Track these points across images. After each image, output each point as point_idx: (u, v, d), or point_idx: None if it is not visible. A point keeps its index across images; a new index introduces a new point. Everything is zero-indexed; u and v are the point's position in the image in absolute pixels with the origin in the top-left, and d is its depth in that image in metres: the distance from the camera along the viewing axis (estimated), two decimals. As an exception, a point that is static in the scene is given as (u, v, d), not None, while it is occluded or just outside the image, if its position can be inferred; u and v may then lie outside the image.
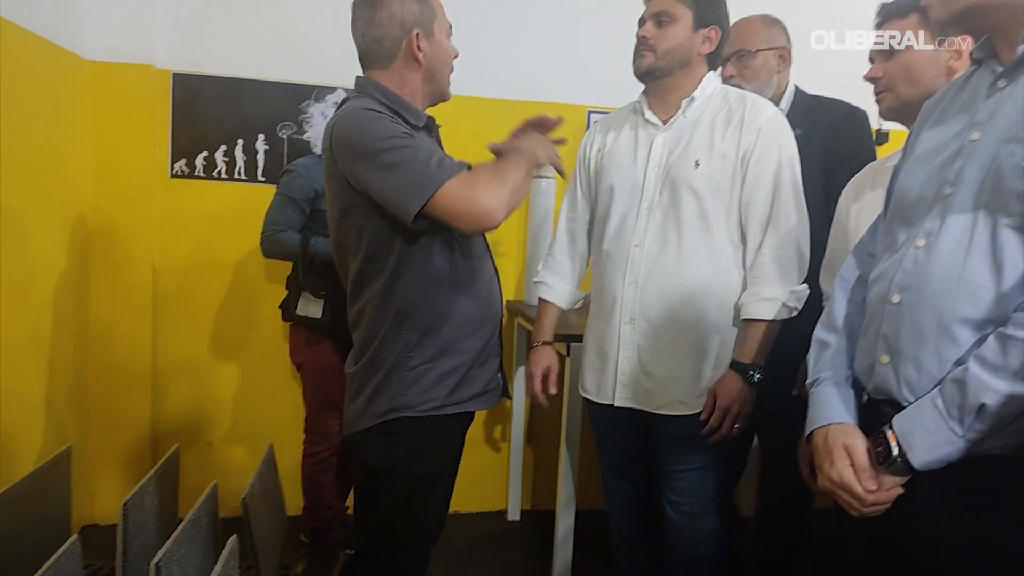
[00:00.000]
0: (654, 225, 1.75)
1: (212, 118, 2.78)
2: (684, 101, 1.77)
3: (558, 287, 1.97)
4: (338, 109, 1.56)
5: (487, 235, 1.68)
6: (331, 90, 2.84)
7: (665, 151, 1.77)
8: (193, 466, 2.78)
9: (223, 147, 2.80)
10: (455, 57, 1.61)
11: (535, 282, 2.02)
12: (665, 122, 1.79)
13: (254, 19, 2.77)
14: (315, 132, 2.83)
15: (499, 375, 1.67)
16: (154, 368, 2.81)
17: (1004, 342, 0.95)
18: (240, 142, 2.80)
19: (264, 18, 2.77)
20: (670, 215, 1.74)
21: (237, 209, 2.83)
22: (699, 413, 1.73)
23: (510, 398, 1.74)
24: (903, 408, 1.07)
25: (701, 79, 1.78)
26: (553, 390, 1.92)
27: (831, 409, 1.18)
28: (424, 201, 1.38)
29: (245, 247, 2.85)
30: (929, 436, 1.01)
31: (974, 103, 1.10)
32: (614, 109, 2.96)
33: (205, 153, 2.79)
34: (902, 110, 1.52)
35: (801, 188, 1.73)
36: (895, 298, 1.10)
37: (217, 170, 2.80)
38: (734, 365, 1.72)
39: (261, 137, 2.81)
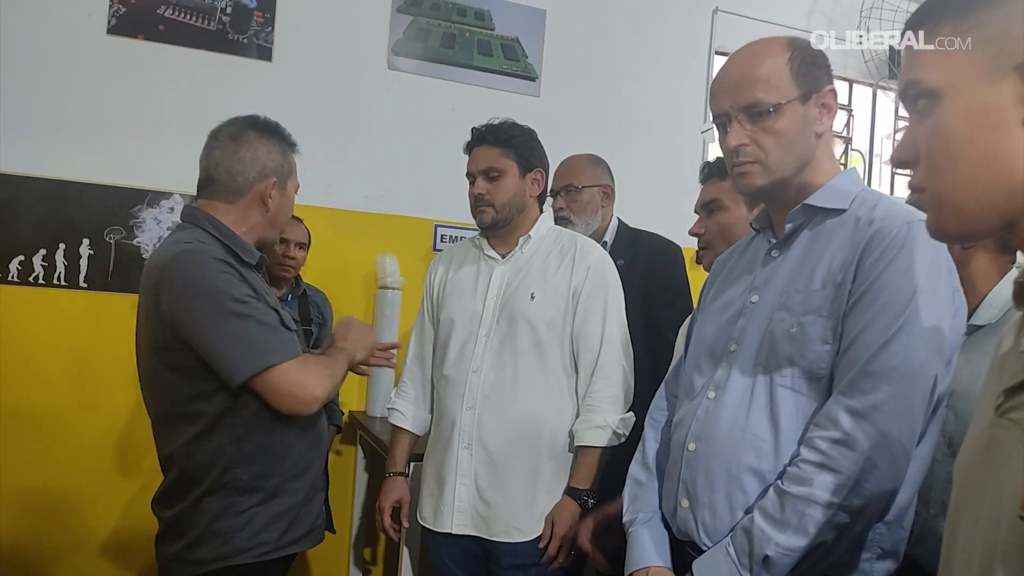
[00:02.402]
0: (492, 352, 1.80)
1: (31, 221, 2.60)
2: (521, 239, 1.87)
3: (410, 413, 1.98)
4: (168, 239, 1.52)
5: None
6: (167, 195, 2.75)
7: (503, 283, 1.85)
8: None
9: (42, 251, 2.61)
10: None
11: (388, 408, 2.02)
12: (504, 256, 1.88)
13: (84, 121, 2.66)
14: (146, 237, 2.71)
15: (323, 509, 1.63)
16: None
17: (781, 496, 1.04)
18: (62, 246, 2.63)
19: (96, 120, 2.67)
20: (507, 343, 1.80)
21: (53, 317, 2.63)
22: (535, 540, 1.74)
23: (334, 532, 1.69)
24: (703, 551, 1.13)
25: (535, 218, 1.90)
26: (406, 523, 1.92)
27: (646, 552, 1.23)
28: (257, 371, 1.38)
29: (59, 358, 2.63)
30: None
31: (754, 267, 1.23)
32: (461, 223, 3.10)
33: (21, 257, 2.59)
34: None
35: (625, 322, 1.84)
36: (691, 446, 1.18)
37: (34, 275, 2.61)
38: (569, 491, 1.76)
39: (86, 242, 2.66)
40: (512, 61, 3.21)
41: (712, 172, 1.70)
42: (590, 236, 2.30)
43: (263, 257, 1.58)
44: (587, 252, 1.85)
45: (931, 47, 0.66)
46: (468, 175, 1.88)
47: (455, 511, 1.79)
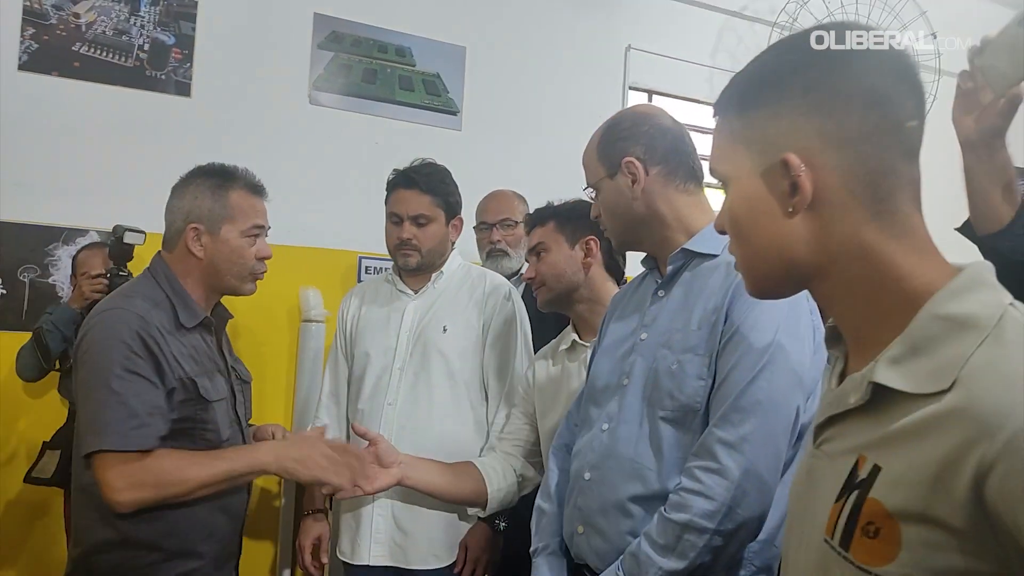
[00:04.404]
0: (406, 384, 1.87)
1: (-61, 260, 2.54)
2: (434, 275, 1.95)
3: None
4: (119, 288, 1.57)
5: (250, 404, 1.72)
6: (83, 232, 2.71)
7: (416, 317, 1.92)
8: None
9: (-49, 291, 2.55)
10: (263, 258, 1.60)
11: None
12: (416, 291, 1.95)
13: (-3, 158, 2.61)
14: (62, 276, 2.67)
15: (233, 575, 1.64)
16: None
17: (664, 523, 1.13)
18: (-28, 286, 2.58)
19: (8, 158, 2.62)
20: (421, 375, 1.87)
21: (-37, 359, 2.56)
22: (450, 566, 1.80)
23: None
24: (597, 574, 1.22)
25: (448, 257, 1.98)
26: (325, 560, 1.94)
27: None
28: (88, 451, 1.38)
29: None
30: None
31: (644, 306, 1.33)
32: (386, 256, 3.13)
33: (-72, 298, 2.53)
34: (555, 301, 1.72)
35: (532, 351, 1.93)
36: (587, 475, 1.27)
37: (-58, 316, 2.54)
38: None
39: (-1, 281, 2.61)
40: (434, 96, 3.29)
41: (534, 221, 1.79)
42: (517, 268, 2.41)
43: (208, 318, 1.58)
44: (496, 287, 1.94)
45: (723, 138, 0.76)
46: (393, 215, 1.92)
47: (373, 542, 1.83)
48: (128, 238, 2.14)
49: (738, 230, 0.75)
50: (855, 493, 0.63)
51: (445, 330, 1.88)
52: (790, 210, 0.69)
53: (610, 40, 3.63)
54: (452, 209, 1.94)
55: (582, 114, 3.58)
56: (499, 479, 1.70)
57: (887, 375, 0.63)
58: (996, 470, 0.54)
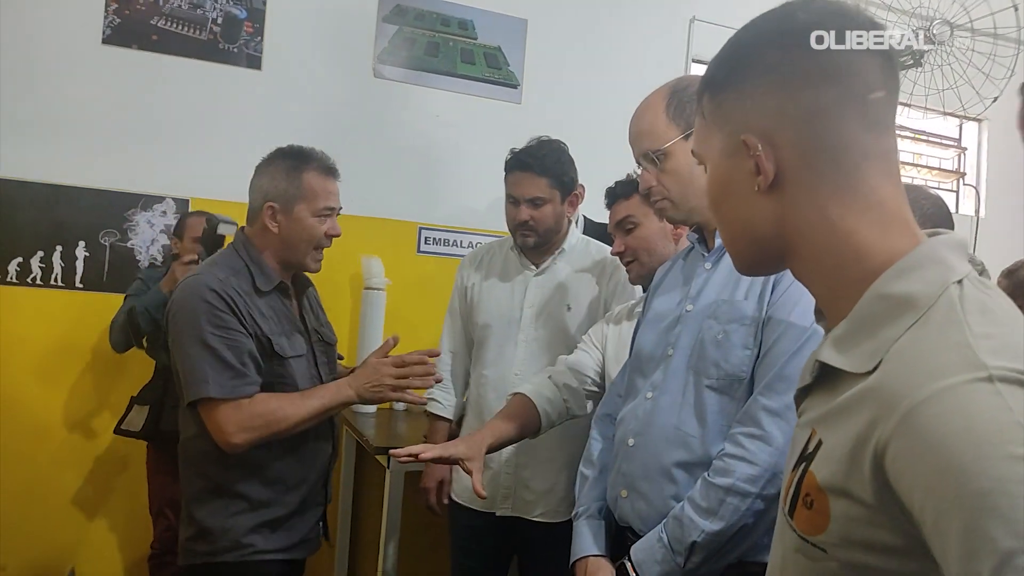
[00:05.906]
0: (530, 355, 1.99)
1: (28, 224, 2.70)
2: (556, 252, 2.04)
3: (447, 402, 2.16)
4: (208, 259, 1.70)
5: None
6: (159, 199, 2.85)
7: (539, 292, 2.03)
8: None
9: (40, 253, 2.72)
10: (331, 236, 1.69)
11: (426, 398, 2.17)
12: (538, 267, 2.05)
13: (80, 127, 2.76)
14: (139, 240, 2.82)
15: (320, 523, 1.74)
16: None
17: (707, 488, 1.16)
18: (59, 248, 2.74)
19: (91, 127, 2.77)
20: (544, 348, 1.99)
21: (51, 316, 2.73)
22: (568, 521, 1.90)
23: (328, 540, 1.83)
24: (640, 536, 1.25)
25: (567, 232, 2.06)
26: (446, 501, 2.12)
27: (585, 542, 1.37)
28: (192, 399, 1.50)
29: (57, 356, 2.74)
30: (659, 567, 1.19)
31: (690, 278, 1.35)
32: (444, 226, 3.22)
33: (19, 259, 2.70)
34: (648, 276, 1.73)
35: None
36: (630, 441, 1.30)
37: (32, 276, 2.71)
38: None
39: (82, 244, 2.76)
40: (494, 69, 3.32)
41: (615, 195, 1.78)
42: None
43: (283, 283, 1.68)
44: (616, 267, 2.00)
45: (700, 120, 0.77)
46: (510, 197, 2.00)
47: (499, 496, 1.98)
48: (222, 229, 2.23)
49: (715, 209, 0.76)
50: (803, 465, 0.65)
51: (569, 308, 1.99)
52: (756, 189, 0.69)
53: (674, 11, 3.58)
54: (567, 187, 2.00)
55: (643, 88, 3.55)
56: (550, 410, 1.68)
57: (829, 354, 0.65)
58: (890, 447, 0.55)
